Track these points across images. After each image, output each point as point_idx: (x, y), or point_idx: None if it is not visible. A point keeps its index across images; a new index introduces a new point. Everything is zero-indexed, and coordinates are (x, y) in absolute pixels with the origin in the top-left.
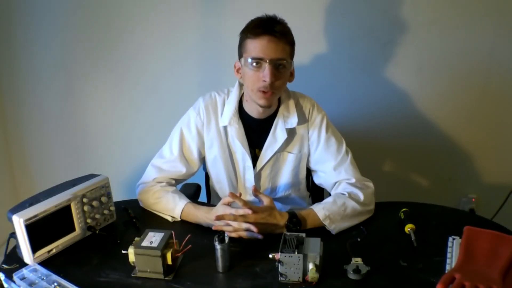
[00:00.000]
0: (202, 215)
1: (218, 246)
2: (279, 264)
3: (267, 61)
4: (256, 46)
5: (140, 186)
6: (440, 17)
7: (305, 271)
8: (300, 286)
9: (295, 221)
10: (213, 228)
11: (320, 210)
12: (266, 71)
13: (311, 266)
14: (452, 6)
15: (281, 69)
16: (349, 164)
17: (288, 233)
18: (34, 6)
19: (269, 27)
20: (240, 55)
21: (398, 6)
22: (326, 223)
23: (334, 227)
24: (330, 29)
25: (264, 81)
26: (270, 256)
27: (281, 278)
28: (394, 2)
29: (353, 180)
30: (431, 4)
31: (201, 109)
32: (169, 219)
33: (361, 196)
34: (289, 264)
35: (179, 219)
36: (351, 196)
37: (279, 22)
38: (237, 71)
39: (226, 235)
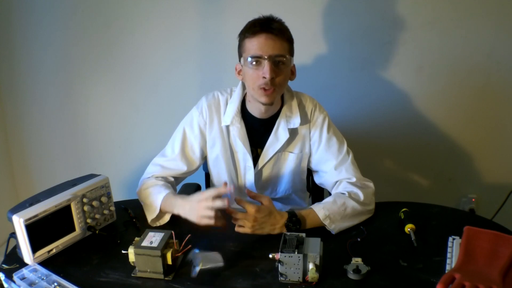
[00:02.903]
0: (177, 201)
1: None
2: (279, 264)
3: (266, 57)
4: (254, 44)
5: (139, 182)
6: (440, 17)
7: (305, 271)
8: (300, 286)
9: (294, 220)
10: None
11: (320, 210)
12: (265, 68)
13: (311, 266)
14: (452, 6)
15: (281, 65)
16: (350, 164)
17: (288, 233)
18: (34, 6)
19: (266, 25)
20: (240, 56)
21: (398, 6)
22: (326, 222)
23: (334, 227)
24: (330, 29)
25: (264, 77)
26: (270, 256)
27: (281, 278)
28: (394, 2)
29: (354, 179)
30: (431, 4)
31: (204, 109)
32: (148, 219)
33: (361, 195)
34: (289, 264)
35: (156, 213)
36: (351, 195)
37: (276, 21)
38: (238, 73)
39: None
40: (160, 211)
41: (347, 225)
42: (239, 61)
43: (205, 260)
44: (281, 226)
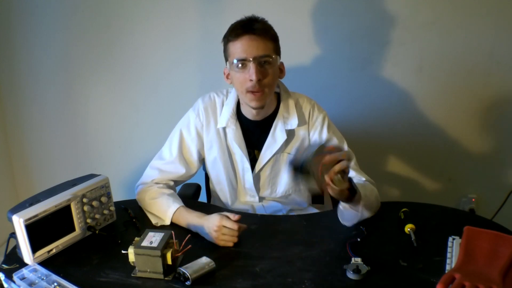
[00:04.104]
0: (192, 219)
1: None
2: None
3: (251, 59)
4: (238, 47)
5: (139, 187)
6: (440, 17)
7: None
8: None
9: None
10: (215, 241)
11: (359, 188)
12: (251, 70)
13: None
14: (452, 6)
15: (267, 66)
16: (355, 164)
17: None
18: (34, 6)
19: (248, 27)
20: (226, 60)
21: (398, 6)
22: (363, 203)
23: (362, 213)
24: (329, 29)
25: (251, 80)
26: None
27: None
28: (394, 2)
29: (363, 179)
30: (431, 4)
31: (201, 111)
32: (153, 221)
33: (376, 190)
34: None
35: (167, 223)
36: (371, 185)
37: (258, 20)
38: (227, 77)
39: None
40: None
41: (367, 216)
42: (226, 65)
43: (193, 272)
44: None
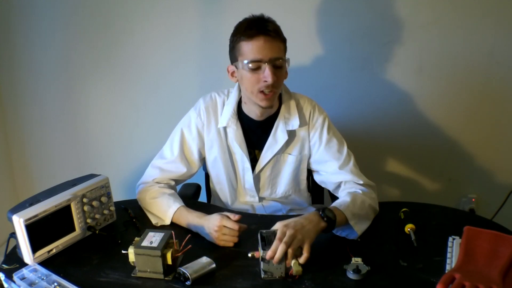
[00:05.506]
0: (193, 219)
1: None
2: (261, 262)
3: (266, 61)
4: (253, 48)
5: (139, 186)
6: (440, 17)
7: (287, 266)
8: (285, 279)
9: (326, 210)
10: (216, 241)
11: (344, 209)
12: (266, 71)
13: (293, 260)
14: (452, 6)
15: (279, 67)
16: (353, 166)
17: (264, 231)
18: (34, 6)
19: (262, 27)
20: (234, 59)
21: (398, 6)
22: (352, 222)
23: (358, 228)
24: (330, 29)
25: (266, 81)
26: (250, 255)
27: (264, 276)
28: (394, 2)
29: (361, 181)
30: (431, 4)
31: (202, 110)
32: (153, 221)
33: (373, 195)
34: (271, 261)
35: (167, 223)
36: (365, 194)
37: (270, 21)
38: (232, 74)
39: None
40: None
41: (366, 226)
42: (231, 63)
43: (193, 272)
44: (318, 222)
